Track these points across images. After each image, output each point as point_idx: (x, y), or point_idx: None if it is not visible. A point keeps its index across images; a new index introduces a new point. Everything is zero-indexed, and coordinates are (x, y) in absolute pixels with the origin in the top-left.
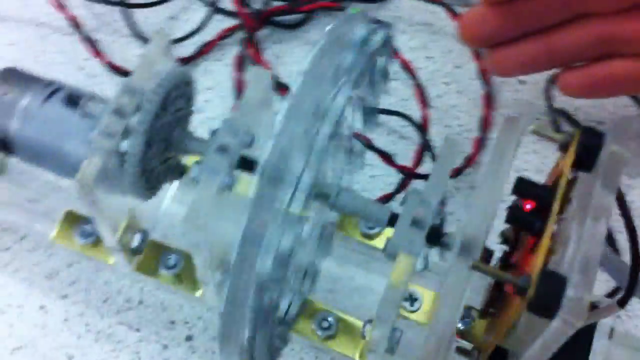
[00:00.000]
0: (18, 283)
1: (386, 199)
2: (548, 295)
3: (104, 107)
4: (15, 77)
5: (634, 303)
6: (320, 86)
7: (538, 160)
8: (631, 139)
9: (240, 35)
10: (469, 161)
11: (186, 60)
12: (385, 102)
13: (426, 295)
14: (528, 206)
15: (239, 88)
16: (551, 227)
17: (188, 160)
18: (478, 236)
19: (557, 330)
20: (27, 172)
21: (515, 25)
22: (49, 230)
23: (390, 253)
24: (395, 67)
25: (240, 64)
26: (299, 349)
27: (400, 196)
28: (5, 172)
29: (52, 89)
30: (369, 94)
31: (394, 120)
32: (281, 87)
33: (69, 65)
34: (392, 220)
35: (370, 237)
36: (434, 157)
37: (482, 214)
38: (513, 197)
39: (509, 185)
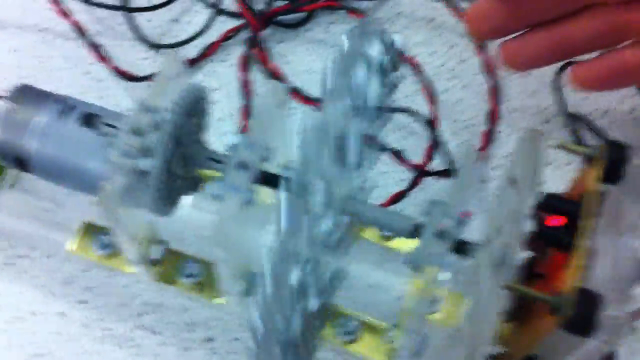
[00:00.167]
0: (36, 290)
1: (400, 196)
2: (586, 316)
3: (120, 125)
4: (29, 95)
5: None
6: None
7: None
8: None
9: (243, 35)
10: (479, 155)
11: (191, 62)
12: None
13: (445, 296)
14: (554, 221)
15: (246, 88)
16: (585, 243)
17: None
18: (510, 256)
19: (596, 348)
20: (43, 181)
21: (523, 17)
22: (65, 239)
23: (415, 265)
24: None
25: (245, 64)
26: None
27: (413, 193)
28: (15, 187)
29: (66, 106)
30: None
31: (401, 116)
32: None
33: (74, 70)
34: (416, 232)
35: (388, 238)
36: (443, 153)
37: (515, 233)
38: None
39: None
